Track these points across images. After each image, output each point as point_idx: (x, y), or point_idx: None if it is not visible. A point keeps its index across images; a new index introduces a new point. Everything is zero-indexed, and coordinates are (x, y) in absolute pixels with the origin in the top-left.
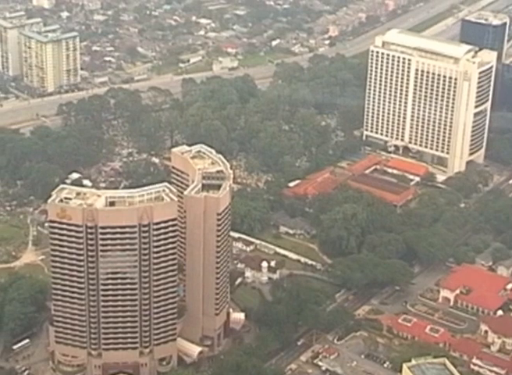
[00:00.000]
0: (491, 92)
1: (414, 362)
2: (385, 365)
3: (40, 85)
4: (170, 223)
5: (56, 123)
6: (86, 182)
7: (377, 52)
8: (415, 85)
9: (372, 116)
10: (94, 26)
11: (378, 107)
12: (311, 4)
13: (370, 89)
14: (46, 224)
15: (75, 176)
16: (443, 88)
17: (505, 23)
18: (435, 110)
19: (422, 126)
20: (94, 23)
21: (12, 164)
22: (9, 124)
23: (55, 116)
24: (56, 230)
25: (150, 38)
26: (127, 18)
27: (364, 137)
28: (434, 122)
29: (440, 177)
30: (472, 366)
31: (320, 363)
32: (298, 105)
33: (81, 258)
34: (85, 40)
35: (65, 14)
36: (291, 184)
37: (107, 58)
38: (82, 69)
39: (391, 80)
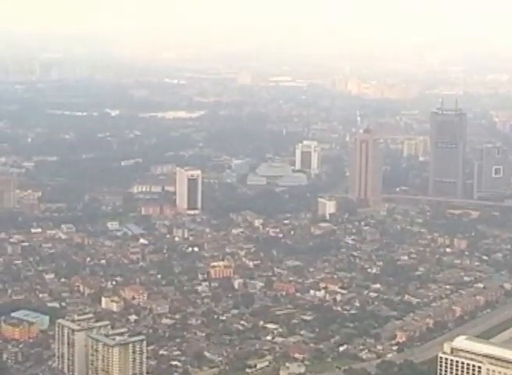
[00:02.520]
0: None
1: None
2: None
3: None
4: None
5: None
6: None
7: (446, 359)
8: None
9: None
10: (162, 330)
11: None
12: (378, 309)
13: None
14: None
15: None
16: None
17: None
18: None
19: None
20: (162, 327)
21: None
22: None
23: None
24: None
25: (217, 343)
26: (195, 322)
27: None
28: None
29: None
30: None
31: None
32: None
33: None
34: (152, 343)
35: (133, 317)
36: None
37: (173, 363)
38: (148, 373)
39: None
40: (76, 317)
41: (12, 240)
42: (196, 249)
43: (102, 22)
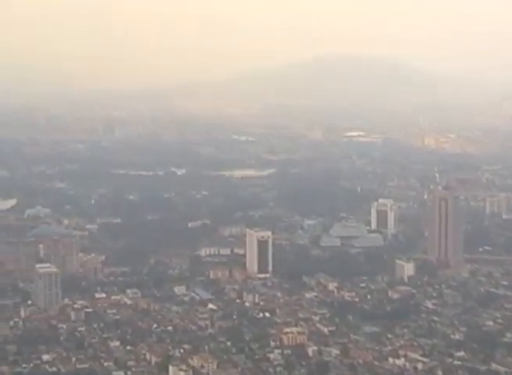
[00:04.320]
0: None
1: None
2: None
3: None
4: None
5: None
6: None
7: None
8: None
9: None
10: None
11: None
12: None
13: None
14: None
15: None
16: None
17: None
18: None
19: None
20: None
21: None
22: None
23: None
24: None
25: None
26: None
27: None
28: None
29: None
30: None
31: None
32: None
33: None
34: None
35: None
36: None
37: None
38: None
39: None
40: None
41: (75, 306)
42: (267, 315)
43: (164, 78)
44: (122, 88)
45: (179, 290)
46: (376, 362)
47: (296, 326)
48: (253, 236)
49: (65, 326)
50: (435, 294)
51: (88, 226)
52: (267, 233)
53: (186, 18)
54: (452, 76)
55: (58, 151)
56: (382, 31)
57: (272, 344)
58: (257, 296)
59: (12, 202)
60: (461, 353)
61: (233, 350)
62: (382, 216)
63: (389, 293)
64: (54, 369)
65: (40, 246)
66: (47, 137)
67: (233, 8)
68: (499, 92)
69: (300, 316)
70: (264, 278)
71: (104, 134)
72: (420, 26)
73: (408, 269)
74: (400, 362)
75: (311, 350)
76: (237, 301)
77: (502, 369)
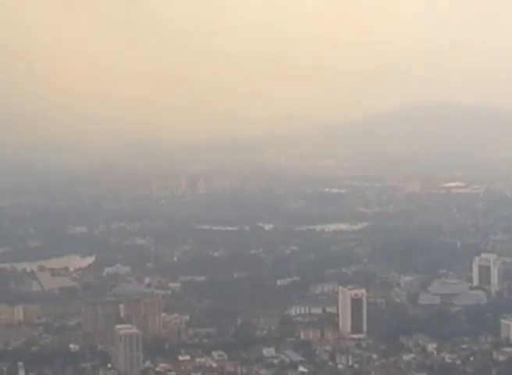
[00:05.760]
0: None
1: None
2: None
3: None
4: None
5: None
6: None
7: None
8: None
9: None
10: None
11: None
12: None
13: None
14: None
15: None
16: None
17: None
18: None
19: None
20: None
21: None
22: None
23: None
24: None
25: None
26: None
27: None
28: None
29: None
30: None
31: None
32: None
33: None
34: None
35: None
36: None
37: None
38: None
39: None
40: None
41: (157, 369)
42: None
43: (251, 128)
44: (207, 142)
45: (267, 352)
46: None
47: None
48: (346, 294)
49: None
50: None
51: (171, 285)
52: (361, 291)
53: (278, 65)
54: None
55: (139, 207)
56: (478, 73)
57: None
58: (350, 358)
59: (90, 260)
60: None
61: None
62: (484, 272)
63: (494, 355)
64: None
65: (121, 306)
66: (127, 192)
67: (326, 55)
68: None
69: None
70: (359, 339)
71: (186, 189)
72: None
73: None
74: None
75: None
76: (330, 363)
77: None
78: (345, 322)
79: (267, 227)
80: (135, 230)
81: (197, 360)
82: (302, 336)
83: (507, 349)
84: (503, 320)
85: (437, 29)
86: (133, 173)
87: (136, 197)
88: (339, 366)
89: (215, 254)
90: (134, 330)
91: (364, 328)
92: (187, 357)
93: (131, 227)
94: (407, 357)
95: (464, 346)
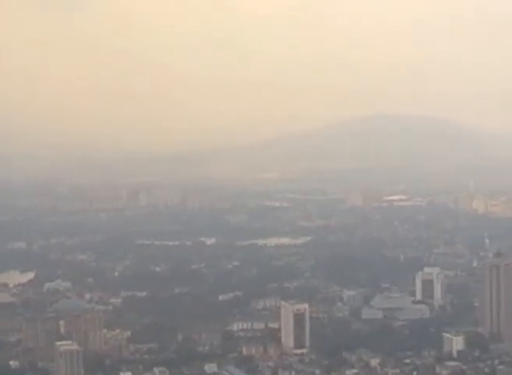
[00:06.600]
0: None
1: None
2: None
3: None
4: None
5: None
6: None
7: None
8: None
9: None
10: None
11: None
12: None
13: None
14: None
15: None
16: None
17: None
18: None
19: None
20: None
21: None
22: None
23: None
24: None
25: None
26: None
27: None
28: None
29: None
30: None
31: None
32: None
33: None
34: None
35: None
36: None
37: None
38: None
39: None
40: None
41: None
42: None
43: (197, 141)
44: (146, 154)
45: (209, 368)
46: None
47: None
48: (288, 309)
49: None
50: (487, 371)
51: (112, 301)
52: (303, 306)
53: (221, 80)
54: (503, 135)
55: (79, 221)
56: (427, 89)
57: None
58: (293, 373)
59: (30, 275)
60: None
61: None
62: (427, 286)
63: (437, 369)
64: None
65: (61, 322)
66: (66, 205)
67: (264, 71)
68: None
69: None
70: (301, 354)
71: (127, 202)
72: (471, 83)
73: (457, 343)
74: None
75: None
76: None
77: None
78: (288, 337)
79: (209, 242)
80: (75, 245)
81: None
82: (244, 352)
83: (450, 363)
84: (445, 334)
85: (377, 42)
86: (71, 185)
87: (76, 210)
88: None
89: (157, 269)
90: (75, 346)
91: (307, 343)
92: (129, 373)
93: (71, 242)
94: (349, 372)
95: (407, 361)
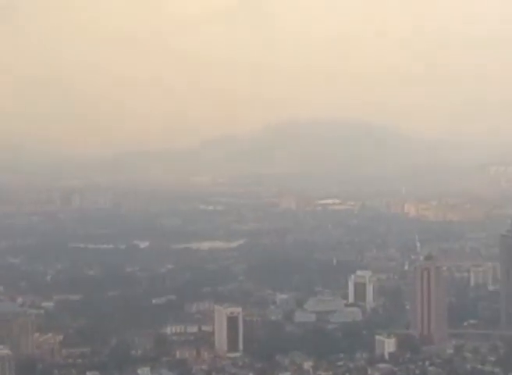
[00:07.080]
0: None
1: None
2: None
3: None
4: None
5: None
6: None
7: None
8: None
9: None
10: None
11: None
12: None
13: None
14: None
15: None
16: None
17: None
18: None
19: None
20: None
21: None
22: None
23: None
24: None
25: None
26: None
27: None
28: None
29: None
30: None
31: None
32: None
33: None
34: None
35: None
36: None
37: None
38: None
39: None
40: None
41: None
42: None
43: (126, 145)
44: (80, 156)
45: (143, 372)
46: None
47: None
48: (222, 312)
49: None
50: (418, 372)
51: (44, 304)
52: (237, 310)
53: (157, 81)
54: (436, 139)
55: (10, 224)
56: (360, 95)
57: None
58: None
59: None
60: None
61: None
62: (360, 289)
63: (369, 371)
64: None
65: None
66: None
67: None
68: (486, 156)
69: None
70: (235, 357)
71: (60, 205)
72: (404, 90)
73: (389, 345)
74: None
75: None
76: None
77: None
78: (221, 340)
79: (142, 245)
80: (6, 249)
81: None
82: (178, 355)
83: (382, 365)
84: (377, 337)
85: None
86: (2, 188)
87: (7, 213)
88: None
89: (90, 272)
90: (6, 350)
91: (241, 347)
92: None
93: (2, 245)
94: None
95: (340, 363)
